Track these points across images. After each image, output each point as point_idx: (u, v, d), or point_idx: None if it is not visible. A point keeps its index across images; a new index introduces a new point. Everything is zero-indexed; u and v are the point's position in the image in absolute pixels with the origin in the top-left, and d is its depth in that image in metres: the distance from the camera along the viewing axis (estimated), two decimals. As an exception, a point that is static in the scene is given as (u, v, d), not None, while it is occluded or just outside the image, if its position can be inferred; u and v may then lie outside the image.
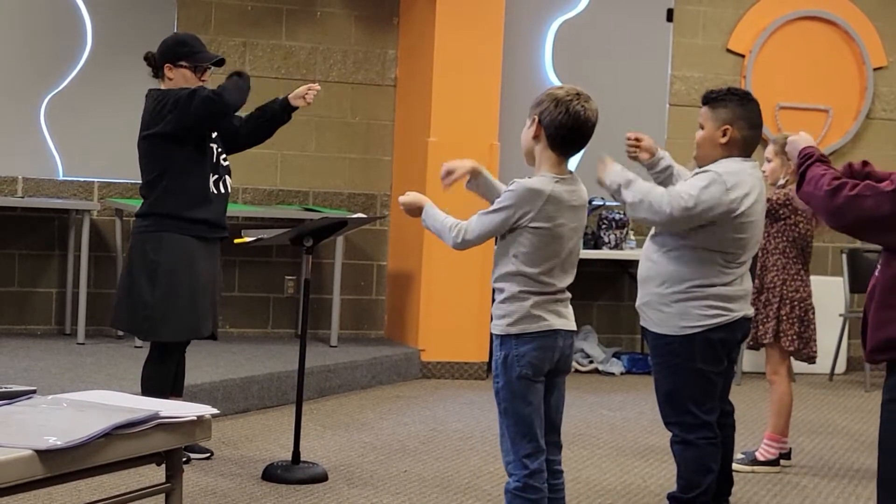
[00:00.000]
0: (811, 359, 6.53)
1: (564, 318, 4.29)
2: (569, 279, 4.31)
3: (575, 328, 4.38)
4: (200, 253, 5.77)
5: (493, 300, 4.31)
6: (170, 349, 5.83)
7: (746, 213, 4.76)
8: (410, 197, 4.45)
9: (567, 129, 4.19)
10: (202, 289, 5.76)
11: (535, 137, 4.25)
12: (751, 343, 6.43)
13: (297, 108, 6.13)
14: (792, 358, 6.59)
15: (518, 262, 4.21)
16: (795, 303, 6.41)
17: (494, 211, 4.22)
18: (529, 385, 4.22)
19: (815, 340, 6.49)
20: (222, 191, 5.87)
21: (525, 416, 4.23)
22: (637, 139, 5.24)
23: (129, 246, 6.07)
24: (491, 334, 4.33)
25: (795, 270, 6.42)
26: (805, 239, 6.44)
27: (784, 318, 6.39)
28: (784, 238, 6.39)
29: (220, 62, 5.87)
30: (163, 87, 5.82)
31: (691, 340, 4.77)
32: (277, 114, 6.11)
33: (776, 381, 6.45)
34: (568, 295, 4.33)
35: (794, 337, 6.39)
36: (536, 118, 4.24)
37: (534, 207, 4.16)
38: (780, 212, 6.33)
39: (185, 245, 5.73)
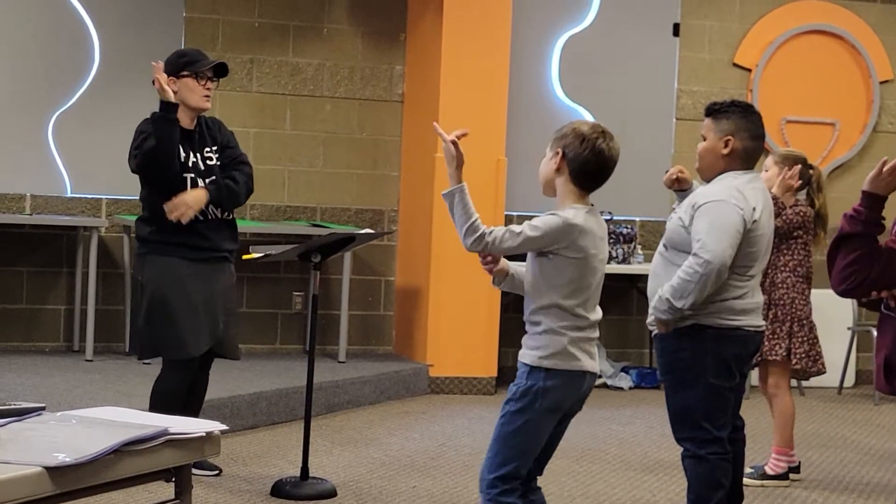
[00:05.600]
0: (820, 373, 6.53)
1: (593, 360, 4.27)
2: (598, 314, 4.29)
3: (598, 369, 4.37)
4: (188, 272, 5.76)
5: (525, 332, 4.28)
6: (177, 368, 5.83)
7: (754, 227, 4.76)
8: (453, 151, 4.44)
9: (592, 166, 4.19)
10: (192, 307, 5.75)
11: (558, 170, 4.24)
12: (758, 359, 6.40)
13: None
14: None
15: (554, 295, 4.18)
16: (804, 321, 6.41)
17: (529, 235, 4.15)
18: (545, 420, 4.21)
19: (822, 355, 6.49)
20: (210, 217, 5.86)
21: (526, 445, 4.22)
22: (680, 174, 5.20)
23: None
24: (519, 362, 4.30)
25: (802, 289, 6.42)
26: (811, 256, 6.45)
27: (794, 335, 6.38)
28: (794, 256, 6.38)
29: (220, 67, 5.86)
30: None
31: (703, 356, 4.76)
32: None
33: (777, 394, 6.44)
34: (598, 333, 4.32)
35: (804, 355, 6.39)
36: (560, 151, 4.23)
37: (568, 240, 4.15)
38: (795, 232, 6.34)
39: (170, 264, 5.74)
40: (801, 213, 6.34)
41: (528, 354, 4.23)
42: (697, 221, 4.72)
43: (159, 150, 5.63)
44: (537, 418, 4.20)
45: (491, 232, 4.19)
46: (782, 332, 6.37)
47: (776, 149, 9.31)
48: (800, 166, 6.40)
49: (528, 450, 4.23)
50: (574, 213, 4.18)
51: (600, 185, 4.28)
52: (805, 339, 6.40)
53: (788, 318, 6.38)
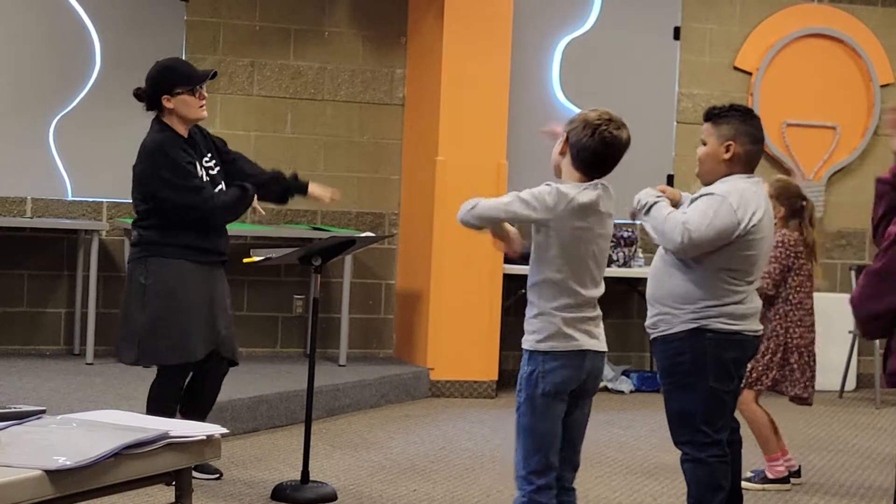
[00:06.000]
0: (805, 402, 6.46)
1: (595, 339, 4.30)
2: (597, 290, 4.31)
3: (605, 349, 4.38)
4: (193, 275, 5.75)
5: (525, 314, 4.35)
6: (173, 372, 5.82)
7: (754, 230, 4.75)
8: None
9: (590, 152, 4.24)
10: (195, 311, 5.74)
11: (562, 154, 4.31)
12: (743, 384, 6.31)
13: (304, 191, 6.13)
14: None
15: (545, 269, 4.24)
16: (802, 349, 6.34)
17: (520, 195, 4.21)
18: (551, 403, 4.23)
19: (813, 385, 6.43)
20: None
21: (540, 432, 4.24)
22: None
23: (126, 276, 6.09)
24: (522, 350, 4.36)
25: (799, 317, 6.36)
26: (811, 280, 6.39)
27: (788, 364, 6.33)
28: (787, 285, 6.32)
29: (213, 75, 5.88)
30: (164, 119, 5.79)
31: (703, 359, 4.76)
32: (285, 194, 6.14)
33: (744, 409, 6.37)
34: (599, 312, 4.34)
35: (797, 382, 6.34)
36: (566, 135, 4.29)
37: (556, 210, 4.19)
38: (790, 261, 6.30)
39: (174, 267, 5.72)
40: (787, 243, 6.28)
41: (526, 339, 4.31)
42: (694, 205, 4.75)
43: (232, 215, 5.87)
44: (543, 402, 4.23)
45: (477, 199, 4.26)
46: (772, 363, 6.32)
47: (772, 147, 9.34)
48: None
49: (546, 436, 4.25)
50: (569, 186, 4.23)
51: (605, 172, 4.31)
52: (803, 366, 6.35)
53: (782, 348, 6.33)
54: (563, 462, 4.34)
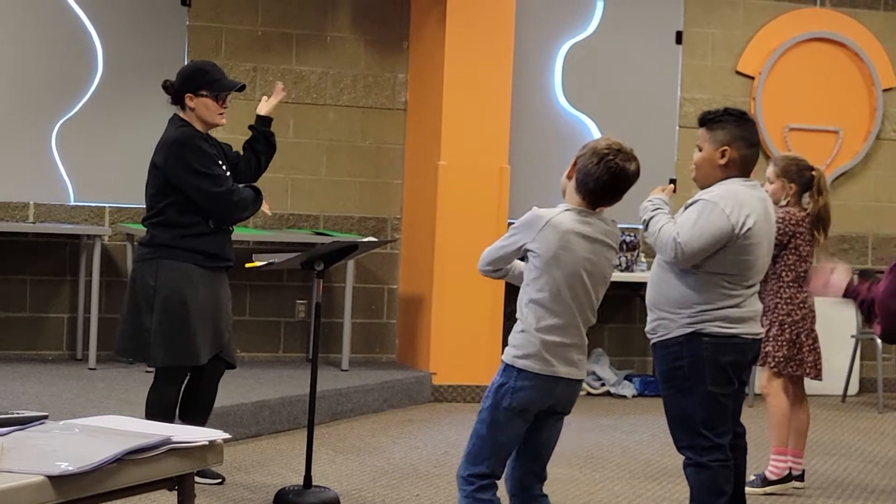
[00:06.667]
0: (798, 374, 6.42)
1: (572, 367, 4.30)
2: (585, 316, 4.30)
3: (582, 377, 4.38)
4: (201, 279, 5.77)
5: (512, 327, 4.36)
6: (172, 375, 5.82)
7: (748, 235, 4.74)
8: None
9: (593, 180, 4.25)
10: (202, 314, 5.76)
11: (569, 177, 4.34)
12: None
13: (271, 120, 6.21)
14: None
15: (529, 289, 4.28)
16: (786, 325, 6.34)
17: (504, 237, 4.35)
18: (513, 419, 4.26)
19: (802, 360, 6.38)
20: (225, 227, 5.89)
21: (495, 443, 4.28)
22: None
23: (130, 274, 6.12)
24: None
25: (790, 294, 6.35)
26: (806, 261, 6.38)
27: (773, 339, 6.33)
28: (784, 261, 6.31)
29: (241, 88, 5.93)
30: (183, 116, 5.82)
31: (701, 363, 4.75)
32: (260, 144, 6.17)
33: (768, 394, 6.39)
34: (584, 340, 4.34)
35: (781, 358, 6.33)
36: (575, 160, 4.33)
37: (534, 231, 4.24)
38: (785, 238, 6.29)
39: (183, 271, 5.74)
40: (787, 220, 6.26)
41: (506, 351, 4.33)
42: (686, 213, 4.77)
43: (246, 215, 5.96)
44: (504, 417, 4.26)
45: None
46: (768, 337, 6.32)
47: (773, 152, 9.33)
48: None
49: (498, 449, 4.29)
50: (549, 210, 4.29)
51: (608, 201, 4.32)
52: (785, 342, 6.34)
53: (768, 322, 6.32)
54: (530, 474, 4.38)
